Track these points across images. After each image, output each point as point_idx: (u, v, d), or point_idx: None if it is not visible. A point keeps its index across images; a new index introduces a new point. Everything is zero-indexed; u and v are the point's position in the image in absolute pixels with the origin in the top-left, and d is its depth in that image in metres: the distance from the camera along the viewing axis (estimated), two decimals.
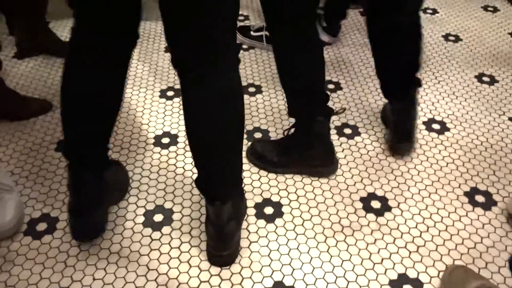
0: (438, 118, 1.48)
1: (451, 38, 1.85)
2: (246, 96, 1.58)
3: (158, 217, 1.18)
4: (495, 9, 2.03)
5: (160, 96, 1.57)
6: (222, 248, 1.05)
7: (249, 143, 1.36)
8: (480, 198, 1.22)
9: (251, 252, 1.10)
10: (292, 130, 1.26)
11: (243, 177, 1.09)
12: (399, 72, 1.29)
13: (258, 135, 1.43)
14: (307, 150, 1.24)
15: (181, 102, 1.52)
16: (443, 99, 1.56)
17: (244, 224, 1.15)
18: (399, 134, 1.31)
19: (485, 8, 2.04)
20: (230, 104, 0.95)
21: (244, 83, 1.64)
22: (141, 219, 1.17)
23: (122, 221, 1.16)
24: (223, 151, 0.98)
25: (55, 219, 1.16)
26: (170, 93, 1.59)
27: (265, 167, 1.30)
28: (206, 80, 0.91)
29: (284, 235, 1.14)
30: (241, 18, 1.98)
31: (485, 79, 1.64)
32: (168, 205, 1.21)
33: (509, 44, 1.82)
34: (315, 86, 1.19)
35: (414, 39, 1.26)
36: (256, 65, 1.72)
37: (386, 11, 1.21)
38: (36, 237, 1.12)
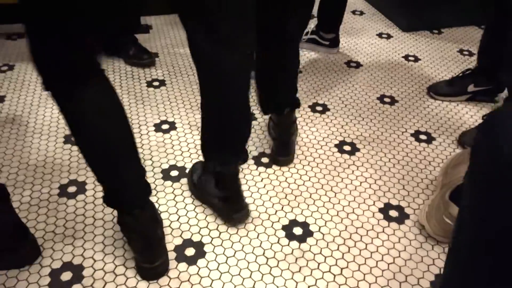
0: (348, 140, 1.54)
1: (353, 64, 1.97)
2: (159, 134, 1.53)
3: (67, 276, 1.06)
4: (389, 36, 2.21)
5: (64, 142, 1.46)
6: (155, 258, 1.04)
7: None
8: (393, 213, 1.27)
9: None
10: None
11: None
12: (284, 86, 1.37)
13: (175, 173, 1.37)
14: (213, 189, 1.19)
15: None
16: (351, 121, 1.63)
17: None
18: (280, 149, 1.41)
19: (380, 35, 2.21)
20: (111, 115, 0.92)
21: (157, 120, 1.58)
22: (46, 280, 1.05)
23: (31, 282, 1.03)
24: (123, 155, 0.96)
25: None
26: None
27: (189, 187, 1.31)
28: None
29: (208, 275, 1.08)
30: None
31: (386, 100, 1.75)
32: (77, 261, 1.10)
33: (404, 67, 1.97)
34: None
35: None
36: (168, 101, 1.68)
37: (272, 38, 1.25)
38: None
